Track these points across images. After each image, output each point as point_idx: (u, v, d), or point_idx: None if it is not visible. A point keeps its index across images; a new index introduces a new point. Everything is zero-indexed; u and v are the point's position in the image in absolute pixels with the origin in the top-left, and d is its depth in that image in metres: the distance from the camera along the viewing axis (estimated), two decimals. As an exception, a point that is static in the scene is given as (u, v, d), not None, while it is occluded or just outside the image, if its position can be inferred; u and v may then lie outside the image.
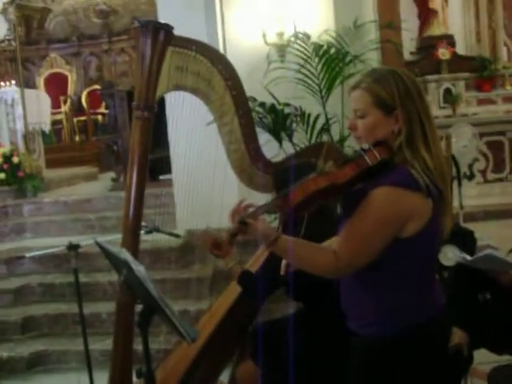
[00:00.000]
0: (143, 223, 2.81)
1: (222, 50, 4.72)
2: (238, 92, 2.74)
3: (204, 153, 3.19)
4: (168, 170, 4.90)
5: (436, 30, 8.15)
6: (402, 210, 1.77)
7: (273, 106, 4.36)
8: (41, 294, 5.03)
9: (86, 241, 3.30)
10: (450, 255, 2.78)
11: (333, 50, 4.48)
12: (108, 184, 6.73)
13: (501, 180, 7.51)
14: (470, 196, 6.46)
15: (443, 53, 7.78)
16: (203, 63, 2.68)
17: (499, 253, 2.82)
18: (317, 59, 4.49)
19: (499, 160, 7.48)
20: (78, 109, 10.23)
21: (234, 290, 2.92)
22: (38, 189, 6.50)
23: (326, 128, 4.52)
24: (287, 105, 4.43)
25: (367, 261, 1.80)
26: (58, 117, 9.84)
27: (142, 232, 2.86)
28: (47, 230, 5.83)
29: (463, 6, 8.26)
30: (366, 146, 1.83)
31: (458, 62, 7.88)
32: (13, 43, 10.21)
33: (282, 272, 2.31)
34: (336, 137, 4.58)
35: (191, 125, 3.01)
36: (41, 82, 10.38)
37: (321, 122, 4.52)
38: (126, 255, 1.92)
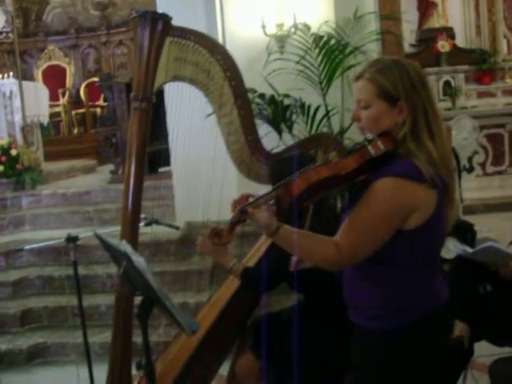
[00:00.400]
0: (142, 215, 2.80)
1: (221, 42, 4.69)
2: (237, 82, 2.71)
3: (203, 144, 3.17)
4: (167, 163, 4.89)
5: (436, 22, 8.12)
6: (405, 202, 1.74)
7: (272, 97, 4.34)
8: (39, 287, 5.03)
9: (84, 233, 3.28)
10: (451, 247, 2.77)
11: (333, 41, 4.45)
12: (107, 176, 6.72)
13: (500, 173, 7.50)
14: (469, 189, 6.46)
15: (443, 45, 7.75)
16: (202, 53, 2.65)
17: (500, 245, 2.81)
18: (317, 50, 4.47)
19: (499, 153, 7.46)
20: (76, 101, 10.19)
21: (233, 283, 2.90)
22: (36, 181, 6.50)
23: (326, 119, 4.50)
24: (287, 96, 4.41)
25: (370, 253, 1.78)
26: (57, 109, 9.81)
27: (141, 224, 2.85)
28: (46, 223, 5.83)
29: (463, -1, 8.25)
30: (370, 136, 1.80)
31: (458, 55, 7.85)
32: (10, 35, 10.16)
33: (291, 268, 2.27)
34: (336, 128, 4.56)
35: (190, 116, 2.99)
36: (39, 74, 10.34)
37: (321, 113, 4.50)
38: (125, 247, 1.91)
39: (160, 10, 2.76)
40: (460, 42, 8.11)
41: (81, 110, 9.90)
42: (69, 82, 10.33)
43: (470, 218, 3.72)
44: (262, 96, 4.31)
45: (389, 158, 1.77)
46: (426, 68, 7.43)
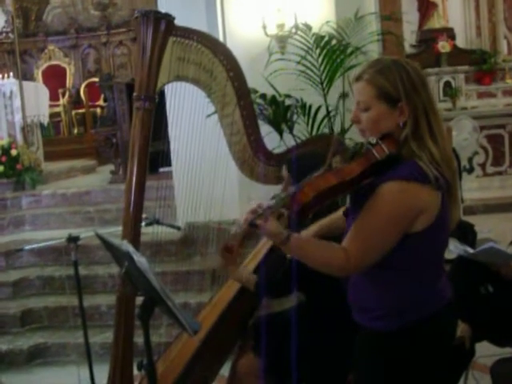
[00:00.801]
0: (143, 215, 2.80)
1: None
2: (240, 83, 2.70)
3: (204, 144, 3.17)
4: (168, 163, 4.88)
5: (436, 23, 8.15)
6: (412, 205, 1.73)
7: (274, 97, 4.33)
8: (40, 287, 5.03)
9: (85, 233, 3.28)
10: (452, 248, 2.77)
11: (334, 42, 4.45)
12: (107, 176, 6.71)
13: (500, 173, 7.52)
14: (469, 189, 6.47)
15: (443, 46, 7.77)
16: (205, 54, 2.64)
17: (500, 246, 2.81)
18: (318, 51, 4.46)
19: (499, 153, 7.48)
20: (76, 101, 10.19)
21: (235, 283, 2.90)
22: (36, 181, 6.49)
23: (327, 120, 4.50)
24: (288, 96, 4.40)
25: (378, 257, 1.76)
26: (57, 109, 9.80)
27: (143, 224, 2.85)
28: (46, 223, 5.83)
29: (463, -1, 8.26)
30: (373, 139, 1.79)
31: (458, 55, 7.87)
32: (11, 35, 10.18)
33: None
34: (337, 129, 4.56)
35: (191, 116, 2.99)
36: (39, 74, 10.34)
37: (322, 113, 4.50)
38: (127, 247, 1.91)
39: (161, 10, 2.77)
40: (460, 42, 8.13)
41: (81, 110, 9.89)
42: (69, 82, 10.33)
43: (470, 219, 3.72)
44: (262, 96, 4.30)
45: (393, 160, 1.76)
46: (427, 68, 7.46)
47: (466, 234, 3.06)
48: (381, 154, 1.75)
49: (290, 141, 4.30)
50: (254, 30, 4.87)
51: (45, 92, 7.91)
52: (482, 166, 7.43)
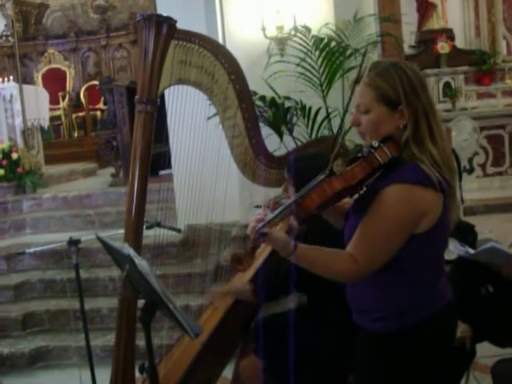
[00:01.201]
0: (144, 218, 2.80)
1: (221, 44, 4.69)
2: (241, 86, 2.71)
3: (204, 147, 3.17)
4: (168, 165, 4.89)
5: (435, 23, 8.13)
6: (416, 208, 1.74)
7: (273, 99, 4.34)
8: (41, 290, 5.04)
9: (86, 236, 3.28)
10: (452, 249, 2.78)
11: (333, 44, 4.45)
12: (107, 180, 6.72)
13: (500, 174, 7.51)
14: (469, 190, 6.47)
15: (442, 46, 7.76)
16: (206, 57, 2.65)
17: (501, 246, 2.81)
18: (317, 53, 4.47)
19: (499, 154, 7.47)
20: (76, 104, 10.20)
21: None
22: (37, 185, 6.51)
23: (327, 121, 4.51)
24: (288, 98, 4.41)
25: (385, 261, 1.76)
26: (57, 113, 9.82)
27: (144, 227, 2.85)
28: (47, 226, 5.84)
29: (462, 0, 8.25)
30: (375, 143, 1.78)
31: (458, 56, 7.86)
32: (10, 39, 10.20)
33: None
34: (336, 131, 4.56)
35: (191, 119, 2.99)
36: (39, 77, 10.35)
37: (321, 115, 4.51)
38: (128, 250, 1.91)
39: (160, 13, 2.77)
40: (460, 43, 8.11)
41: (81, 114, 9.91)
42: (69, 85, 10.34)
43: (470, 219, 3.72)
44: (262, 98, 4.31)
45: (395, 163, 1.76)
46: (426, 69, 7.45)
47: (467, 234, 3.07)
48: (383, 158, 1.75)
49: (289, 143, 4.30)
50: (253, 32, 4.89)
51: (45, 95, 7.92)
52: (482, 166, 7.43)
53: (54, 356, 4.52)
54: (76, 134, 9.93)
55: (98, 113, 9.80)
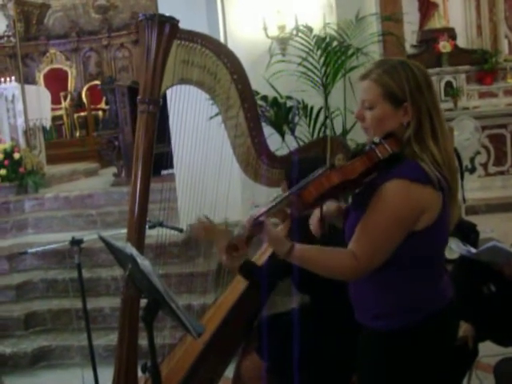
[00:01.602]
0: (147, 218, 2.80)
1: (223, 44, 4.70)
2: (243, 85, 2.71)
3: (206, 147, 3.17)
4: (170, 165, 4.89)
5: (437, 23, 8.14)
6: (415, 205, 1.75)
7: (275, 99, 4.34)
8: (43, 290, 5.04)
9: (89, 236, 3.29)
10: (454, 248, 2.78)
11: (335, 43, 4.46)
12: (109, 179, 6.73)
13: (502, 173, 7.52)
14: (471, 189, 6.48)
15: (444, 46, 7.77)
16: (209, 56, 2.65)
17: (503, 244, 2.81)
18: (319, 52, 4.47)
19: (501, 153, 7.48)
20: (78, 104, 10.22)
21: (239, 285, 2.91)
22: (39, 185, 6.50)
23: (328, 121, 4.51)
24: (289, 98, 4.41)
25: (386, 257, 1.77)
26: (59, 113, 9.84)
27: (146, 227, 2.85)
28: (49, 226, 5.84)
29: (464, -1, 8.25)
30: (376, 139, 1.80)
31: (459, 55, 7.87)
32: (12, 39, 10.21)
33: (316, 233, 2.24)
34: (338, 130, 4.56)
35: (193, 118, 2.99)
36: (41, 77, 10.36)
37: (323, 115, 4.51)
38: (131, 249, 1.92)
39: (162, 13, 2.77)
40: (461, 42, 8.12)
41: (83, 113, 9.92)
42: (70, 85, 10.36)
43: (472, 219, 3.73)
44: (264, 98, 4.31)
45: (395, 159, 1.78)
46: (428, 69, 7.45)
47: (469, 233, 3.07)
48: (383, 154, 1.77)
49: (291, 142, 4.30)
50: (254, 31, 4.89)
51: (47, 95, 7.92)
52: (484, 165, 7.44)
53: (57, 356, 4.52)
54: (78, 134, 9.94)
55: (100, 113, 9.81)
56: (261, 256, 3.02)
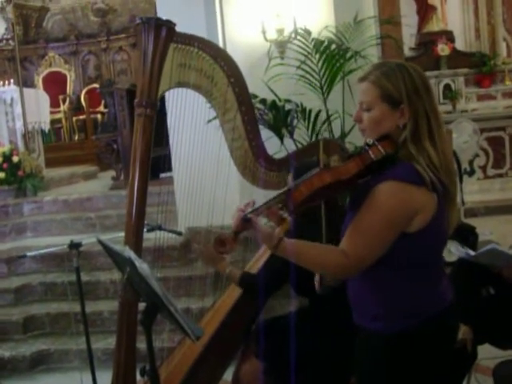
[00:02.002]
0: (145, 221, 2.80)
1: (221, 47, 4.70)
2: (240, 89, 2.72)
3: (205, 150, 3.17)
4: (168, 168, 4.89)
5: (435, 25, 8.16)
6: (408, 206, 1.75)
7: (274, 102, 4.34)
8: (42, 293, 5.03)
9: (87, 239, 3.28)
10: (453, 250, 2.78)
11: (333, 46, 4.46)
12: (108, 182, 6.72)
13: (501, 176, 7.53)
14: (470, 192, 6.48)
15: (442, 49, 7.78)
16: (206, 60, 2.66)
17: (502, 247, 2.82)
18: (317, 55, 4.47)
19: (499, 156, 7.49)
20: (77, 107, 10.21)
21: (237, 288, 2.91)
22: (38, 188, 6.50)
23: (327, 124, 4.51)
24: (288, 101, 4.42)
25: (376, 257, 1.78)
26: (57, 116, 9.83)
27: (144, 230, 2.85)
28: (48, 229, 5.83)
29: (462, 2, 8.27)
30: (370, 140, 1.81)
31: (458, 58, 7.89)
32: (11, 42, 10.21)
33: (317, 288, 2.24)
34: (337, 133, 4.56)
35: (191, 122, 3.00)
36: (39, 81, 10.37)
37: (322, 118, 4.51)
38: (129, 253, 1.91)
39: (160, 16, 2.78)
40: (459, 45, 8.14)
41: (81, 117, 9.92)
42: (69, 88, 10.36)
43: (471, 221, 3.73)
44: (263, 101, 4.31)
45: (389, 161, 1.78)
46: (426, 71, 7.46)
47: (467, 236, 3.08)
48: (376, 155, 1.77)
49: (290, 145, 4.31)
50: (253, 35, 4.89)
51: (45, 99, 7.93)
52: (483, 168, 7.45)
53: (55, 359, 4.50)
54: (77, 137, 9.94)
55: (99, 116, 9.80)
56: (256, 261, 3.03)
